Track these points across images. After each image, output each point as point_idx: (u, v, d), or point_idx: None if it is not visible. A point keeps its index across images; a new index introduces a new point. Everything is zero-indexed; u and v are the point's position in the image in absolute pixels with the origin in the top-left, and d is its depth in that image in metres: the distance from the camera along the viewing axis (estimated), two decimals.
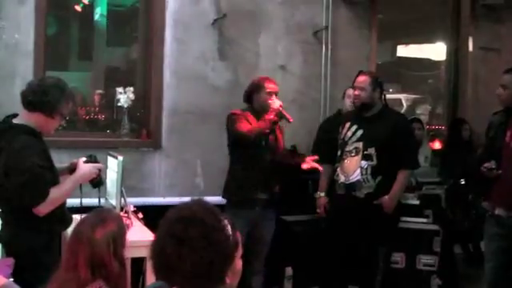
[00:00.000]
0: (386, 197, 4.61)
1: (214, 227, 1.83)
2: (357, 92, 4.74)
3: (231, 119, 4.64)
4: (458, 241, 5.96)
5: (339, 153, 4.82)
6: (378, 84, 4.76)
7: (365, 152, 4.66)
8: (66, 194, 3.45)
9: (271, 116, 4.49)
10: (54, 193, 3.33)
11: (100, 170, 3.59)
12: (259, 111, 4.67)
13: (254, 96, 4.74)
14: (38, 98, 3.34)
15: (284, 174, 4.84)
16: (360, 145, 4.69)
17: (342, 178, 4.74)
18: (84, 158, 3.58)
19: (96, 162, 3.60)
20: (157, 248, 1.83)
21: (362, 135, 4.71)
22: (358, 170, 4.66)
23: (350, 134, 4.77)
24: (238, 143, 4.61)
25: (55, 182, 3.40)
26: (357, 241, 4.67)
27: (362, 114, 4.80)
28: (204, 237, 1.79)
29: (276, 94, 4.69)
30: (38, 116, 3.37)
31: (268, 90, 4.67)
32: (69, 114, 3.55)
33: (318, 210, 5.01)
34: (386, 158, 4.63)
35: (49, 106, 3.36)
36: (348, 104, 5.31)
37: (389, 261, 5.07)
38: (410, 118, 6.41)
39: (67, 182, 3.46)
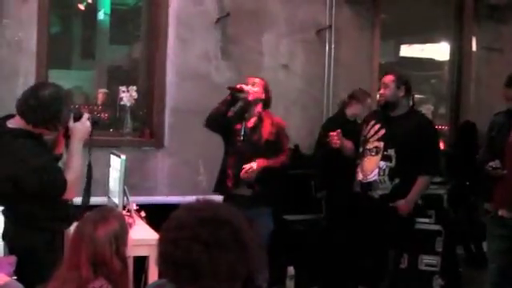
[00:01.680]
0: (403, 200, 4.55)
1: (242, 227, 1.80)
2: (382, 90, 4.69)
3: None
4: (461, 241, 5.95)
5: (360, 150, 4.75)
6: (402, 82, 4.67)
7: (385, 153, 4.58)
8: (79, 165, 3.39)
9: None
10: (70, 174, 3.30)
11: (89, 118, 3.48)
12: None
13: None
14: (39, 115, 3.25)
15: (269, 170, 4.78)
16: (381, 145, 4.62)
17: (360, 176, 4.68)
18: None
19: (81, 115, 3.46)
20: (177, 254, 1.74)
21: (383, 135, 4.64)
22: (376, 171, 4.58)
23: (372, 132, 4.70)
24: (212, 125, 4.73)
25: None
26: (368, 241, 4.65)
27: (387, 113, 4.72)
28: (234, 238, 1.76)
29: (253, 83, 4.72)
30: (40, 129, 3.34)
31: (245, 82, 4.73)
32: (67, 120, 3.44)
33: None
34: (406, 160, 4.54)
35: (52, 122, 3.30)
36: (350, 113, 5.35)
37: (398, 263, 5.03)
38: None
39: (73, 155, 3.38)
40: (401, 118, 4.67)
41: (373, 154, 4.65)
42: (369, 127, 4.77)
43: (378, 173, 4.58)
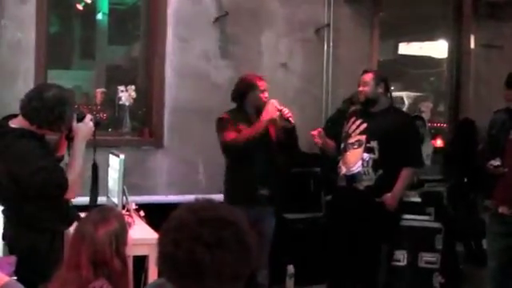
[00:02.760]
0: (389, 194, 4.61)
1: (244, 228, 1.80)
2: (361, 88, 4.77)
3: (218, 126, 4.61)
4: (460, 239, 5.95)
5: (342, 145, 4.82)
6: (381, 80, 4.80)
7: (367, 145, 4.66)
8: (81, 165, 3.41)
9: (267, 118, 4.48)
10: (72, 174, 3.32)
11: (92, 119, 3.51)
12: (250, 111, 4.66)
13: (247, 95, 4.66)
14: (43, 117, 3.26)
15: (283, 170, 4.82)
16: (363, 138, 4.69)
17: (343, 170, 4.74)
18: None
19: (84, 116, 3.49)
20: (178, 254, 1.73)
21: (365, 128, 4.72)
22: (360, 162, 4.66)
23: (354, 127, 4.78)
24: (228, 152, 4.59)
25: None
26: (358, 237, 4.67)
27: (367, 109, 4.81)
28: (237, 238, 1.75)
29: (266, 90, 4.66)
30: (43, 130, 3.35)
31: (262, 89, 4.63)
32: (71, 121, 3.45)
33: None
34: (389, 152, 4.63)
35: (56, 123, 3.32)
36: None
37: (391, 259, 5.06)
38: (412, 115, 6.40)
39: (75, 155, 3.40)
40: (382, 113, 4.77)
41: (355, 147, 4.72)
42: (350, 123, 4.84)
43: (362, 164, 4.66)
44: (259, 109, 4.57)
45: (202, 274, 1.72)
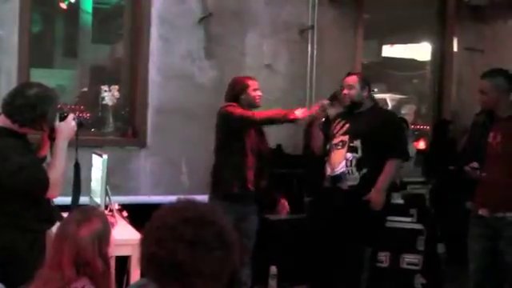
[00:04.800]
0: (373, 190, 4.61)
1: (226, 227, 1.81)
2: (346, 91, 4.78)
3: (229, 110, 4.64)
4: (442, 240, 5.99)
5: (327, 147, 4.84)
6: (366, 83, 4.81)
7: (350, 144, 4.68)
8: (62, 164, 3.37)
9: (297, 115, 4.55)
10: (54, 173, 3.29)
11: (74, 118, 3.49)
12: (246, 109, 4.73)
13: (241, 96, 4.75)
14: (26, 115, 3.23)
15: (270, 169, 4.86)
16: (346, 138, 4.72)
17: (328, 171, 4.76)
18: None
19: (66, 115, 3.47)
20: (161, 254, 1.74)
21: (348, 128, 4.75)
22: (343, 162, 4.67)
23: (338, 127, 4.81)
24: (242, 127, 4.64)
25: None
26: (342, 238, 4.68)
27: (352, 111, 4.83)
28: (218, 237, 1.77)
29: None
30: (25, 129, 3.33)
31: (254, 88, 4.74)
32: (53, 121, 3.44)
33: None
34: (372, 150, 4.64)
35: (38, 122, 3.29)
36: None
37: (375, 260, 5.08)
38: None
39: (57, 154, 3.37)
40: (365, 112, 4.79)
41: (339, 147, 4.74)
42: (334, 124, 4.88)
43: (346, 164, 4.67)
44: (253, 107, 4.69)
45: (184, 274, 1.73)
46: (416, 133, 7.01)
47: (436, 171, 6.04)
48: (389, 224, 5.17)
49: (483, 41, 7.15)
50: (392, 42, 8.63)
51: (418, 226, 5.34)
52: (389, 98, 8.45)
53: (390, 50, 8.73)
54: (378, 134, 4.66)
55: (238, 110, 4.61)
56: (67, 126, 3.44)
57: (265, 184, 4.78)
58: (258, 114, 4.59)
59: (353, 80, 4.80)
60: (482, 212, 4.41)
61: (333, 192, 4.74)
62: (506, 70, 4.44)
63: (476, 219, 4.47)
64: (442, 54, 7.28)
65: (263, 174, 4.76)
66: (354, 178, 4.66)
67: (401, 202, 5.36)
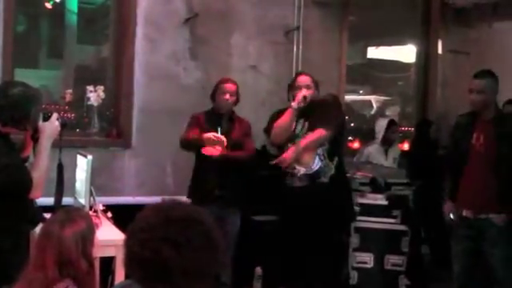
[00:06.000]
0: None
1: (211, 227, 1.82)
2: (305, 91, 4.73)
3: (188, 121, 4.94)
4: (426, 241, 6.02)
5: (289, 146, 4.82)
6: (316, 83, 4.88)
7: None
8: (46, 164, 3.37)
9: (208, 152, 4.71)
10: (37, 173, 3.28)
11: (58, 118, 3.49)
12: (218, 111, 4.94)
13: (214, 97, 4.97)
14: (8, 114, 3.23)
15: (241, 170, 4.91)
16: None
17: (301, 170, 4.77)
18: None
19: (50, 115, 3.46)
20: (145, 254, 1.74)
21: (309, 126, 4.80)
22: (317, 158, 4.75)
23: (299, 127, 4.85)
24: (181, 146, 4.89)
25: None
26: (320, 234, 4.72)
27: (305, 110, 4.79)
28: (204, 237, 1.77)
29: (231, 93, 4.91)
30: (8, 129, 3.31)
31: (221, 91, 4.92)
32: (37, 121, 3.42)
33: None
34: (334, 138, 4.77)
35: (21, 121, 3.28)
36: None
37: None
38: (387, 120, 6.49)
39: (40, 154, 3.36)
40: (314, 106, 4.77)
41: None
42: (297, 125, 4.87)
43: (320, 158, 4.75)
44: (222, 110, 4.91)
45: (169, 274, 1.73)
46: (400, 135, 7.02)
47: (419, 172, 6.06)
48: (373, 225, 5.21)
49: (468, 43, 7.19)
50: (377, 44, 8.65)
51: (402, 227, 5.37)
52: (374, 100, 8.48)
53: (375, 52, 8.75)
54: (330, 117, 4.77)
55: (186, 130, 4.88)
56: (51, 126, 3.43)
57: (236, 185, 4.86)
58: (192, 139, 4.77)
59: (309, 80, 4.85)
60: (465, 213, 4.45)
61: (310, 189, 4.77)
62: (492, 71, 4.48)
63: (460, 220, 4.50)
64: (426, 56, 7.32)
65: (230, 175, 4.83)
66: (331, 169, 4.77)
67: (385, 203, 5.39)
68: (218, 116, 4.93)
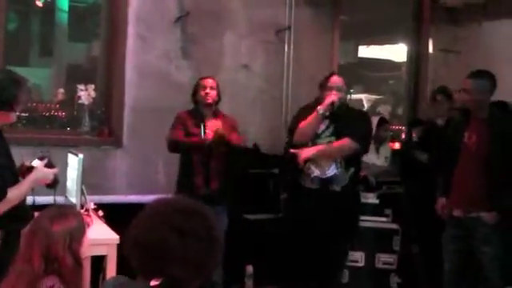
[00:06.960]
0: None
1: (213, 221, 1.88)
2: (335, 93, 4.67)
3: (173, 122, 4.89)
4: (417, 240, 6.03)
5: (310, 145, 4.75)
6: (347, 84, 4.88)
7: None
8: (22, 195, 3.39)
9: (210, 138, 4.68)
10: (12, 193, 3.26)
11: (54, 174, 3.54)
12: (202, 110, 4.91)
13: (197, 96, 4.96)
14: None
15: (228, 170, 4.90)
16: (333, 139, 4.70)
17: (315, 172, 4.69)
18: (38, 161, 3.52)
19: (52, 166, 3.55)
20: (151, 238, 1.78)
21: (334, 130, 4.72)
22: (334, 165, 4.67)
23: (323, 127, 4.74)
24: (168, 148, 4.86)
25: (15, 180, 3.35)
26: (326, 238, 4.68)
27: (334, 112, 4.70)
28: (207, 230, 1.83)
29: (211, 87, 4.90)
30: None
31: (203, 86, 4.91)
32: (26, 104, 3.46)
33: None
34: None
35: (7, 101, 3.29)
36: None
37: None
38: (378, 117, 6.48)
39: (24, 184, 3.39)
40: (345, 113, 4.74)
41: None
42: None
43: (336, 166, 4.67)
44: (204, 106, 4.89)
45: (170, 260, 1.77)
46: (391, 133, 7.03)
47: (411, 171, 6.07)
48: (364, 224, 5.22)
49: (458, 42, 7.21)
50: (368, 43, 8.67)
51: (394, 226, 5.39)
52: (365, 99, 8.49)
53: (366, 51, 8.77)
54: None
55: (172, 129, 4.84)
56: (43, 172, 3.48)
57: (220, 184, 4.84)
58: (185, 141, 4.76)
59: (341, 81, 4.79)
60: (456, 213, 4.47)
61: (323, 194, 4.69)
62: (491, 72, 4.48)
63: (451, 220, 4.52)
64: (417, 56, 7.34)
65: (215, 174, 4.83)
66: (345, 179, 4.69)
67: (376, 201, 5.40)
68: (202, 113, 4.90)
